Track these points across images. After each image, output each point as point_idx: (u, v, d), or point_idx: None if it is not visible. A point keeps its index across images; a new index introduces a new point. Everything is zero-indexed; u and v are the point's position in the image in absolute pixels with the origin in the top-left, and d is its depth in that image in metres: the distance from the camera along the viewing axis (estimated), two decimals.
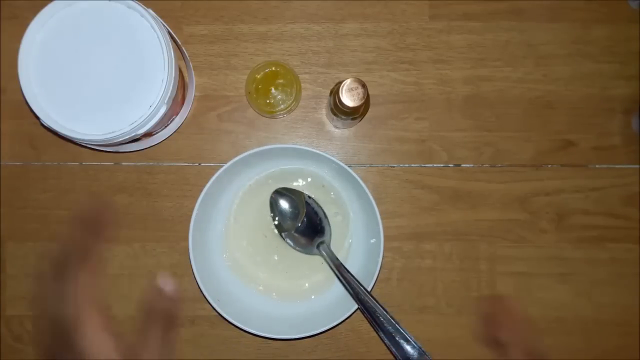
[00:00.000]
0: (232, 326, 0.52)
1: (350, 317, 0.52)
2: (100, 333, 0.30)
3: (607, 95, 0.58)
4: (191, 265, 0.51)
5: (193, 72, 0.57)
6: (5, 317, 0.57)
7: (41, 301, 0.30)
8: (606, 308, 0.58)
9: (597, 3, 0.58)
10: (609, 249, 0.58)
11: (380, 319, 0.51)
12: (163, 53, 0.49)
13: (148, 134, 0.53)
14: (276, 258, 0.57)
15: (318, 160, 0.54)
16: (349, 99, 0.48)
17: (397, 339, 0.50)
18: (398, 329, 0.50)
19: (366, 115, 0.56)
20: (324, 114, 0.58)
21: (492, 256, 0.58)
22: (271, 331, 0.52)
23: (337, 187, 0.56)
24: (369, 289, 0.52)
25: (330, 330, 0.53)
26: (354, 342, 0.58)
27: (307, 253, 0.56)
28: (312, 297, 0.56)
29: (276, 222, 0.56)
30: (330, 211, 0.56)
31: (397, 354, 0.50)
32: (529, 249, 0.58)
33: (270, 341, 0.55)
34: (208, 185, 0.51)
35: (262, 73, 0.56)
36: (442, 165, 0.58)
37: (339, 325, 0.53)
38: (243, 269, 0.56)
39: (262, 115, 0.58)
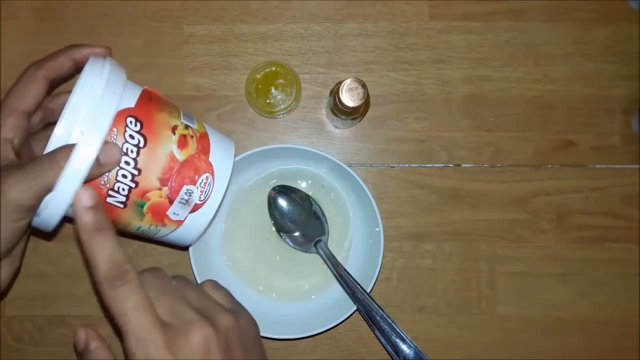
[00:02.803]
0: None
1: (350, 317, 0.52)
2: None
3: (606, 95, 0.58)
4: (191, 265, 0.51)
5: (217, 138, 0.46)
6: (5, 317, 0.57)
7: None
8: (606, 308, 0.58)
9: (597, 3, 0.58)
10: (608, 249, 0.58)
11: (376, 318, 0.51)
12: None
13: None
14: (278, 258, 0.57)
15: (318, 160, 0.54)
16: (349, 99, 0.48)
17: (392, 338, 0.50)
18: (394, 327, 0.51)
19: (366, 115, 0.56)
20: (324, 114, 0.58)
21: (492, 256, 0.58)
22: (271, 331, 0.52)
23: (337, 187, 0.56)
24: (368, 289, 0.52)
25: (330, 330, 0.53)
26: (354, 342, 0.58)
27: (305, 251, 0.56)
28: (312, 297, 0.56)
29: (275, 222, 0.56)
30: (330, 212, 0.56)
31: (392, 353, 0.50)
32: (529, 249, 0.58)
33: (270, 341, 0.55)
34: None
35: (262, 73, 0.56)
36: (442, 165, 0.58)
37: (339, 325, 0.53)
38: (243, 269, 0.56)
39: (262, 115, 0.58)
